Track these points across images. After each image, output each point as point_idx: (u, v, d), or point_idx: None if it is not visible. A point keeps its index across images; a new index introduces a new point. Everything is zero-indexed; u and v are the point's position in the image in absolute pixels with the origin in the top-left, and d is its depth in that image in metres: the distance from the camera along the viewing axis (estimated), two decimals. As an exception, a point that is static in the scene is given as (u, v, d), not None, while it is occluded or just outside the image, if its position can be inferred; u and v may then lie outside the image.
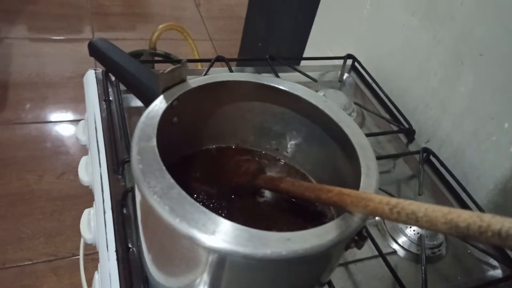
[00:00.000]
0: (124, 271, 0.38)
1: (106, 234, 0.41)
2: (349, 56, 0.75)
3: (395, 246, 0.49)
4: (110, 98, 0.55)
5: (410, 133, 0.64)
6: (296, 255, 0.25)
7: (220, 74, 0.38)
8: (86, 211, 0.48)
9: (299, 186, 0.32)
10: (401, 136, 0.65)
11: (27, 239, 1.07)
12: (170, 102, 0.33)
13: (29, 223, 1.10)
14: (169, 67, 0.34)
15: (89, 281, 0.52)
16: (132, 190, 0.43)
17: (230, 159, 0.42)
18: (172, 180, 0.27)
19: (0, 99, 1.43)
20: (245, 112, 0.41)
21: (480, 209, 0.55)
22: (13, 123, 1.36)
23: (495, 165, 0.57)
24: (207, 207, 0.37)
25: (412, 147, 0.63)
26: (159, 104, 0.33)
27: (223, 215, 0.37)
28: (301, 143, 0.42)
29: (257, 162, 0.41)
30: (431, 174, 0.60)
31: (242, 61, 0.71)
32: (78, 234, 0.47)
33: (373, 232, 0.50)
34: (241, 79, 0.38)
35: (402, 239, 0.49)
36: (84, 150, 0.55)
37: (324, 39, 0.94)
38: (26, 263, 1.02)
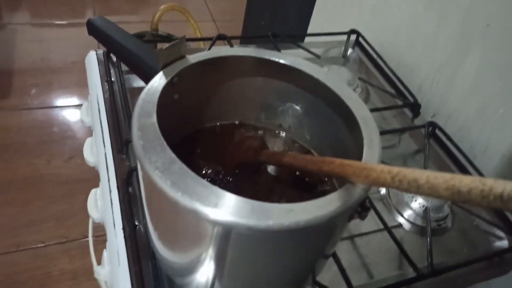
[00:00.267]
0: (132, 248, 0.39)
1: (112, 212, 0.41)
2: (353, 31, 0.74)
3: (400, 219, 0.49)
4: (112, 79, 0.55)
5: (415, 108, 0.63)
6: (298, 226, 0.25)
7: (219, 49, 0.37)
8: (92, 191, 0.49)
9: (302, 159, 0.32)
10: (407, 111, 0.64)
11: (39, 223, 1.09)
12: (170, 78, 0.33)
13: (40, 207, 1.12)
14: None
15: (99, 260, 0.53)
16: (136, 169, 0.44)
17: (232, 136, 0.42)
18: (173, 155, 0.27)
19: (5, 85, 1.44)
20: (247, 88, 0.41)
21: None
22: (20, 109, 1.37)
23: (502, 138, 0.56)
24: (211, 183, 0.37)
25: (417, 122, 0.63)
26: (159, 81, 0.33)
27: (228, 190, 0.37)
28: (304, 117, 0.42)
29: (260, 138, 0.41)
30: (437, 148, 0.59)
31: (245, 39, 0.70)
32: (88, 217, 0.48)
33: (378, 206, 0.50)
34: (242, 54, 0.38)
35: (407, 212, 0.50)
36: (90, 134, 0.55)
37: (328, 16, 0.93)
38: (39, 245, 1.04)
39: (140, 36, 1.29)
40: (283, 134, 0.44)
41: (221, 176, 0.38)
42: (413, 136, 0.61)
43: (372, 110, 0.35)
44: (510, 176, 0.56)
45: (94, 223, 0.49)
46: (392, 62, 0.69)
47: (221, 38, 0.64)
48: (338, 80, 0.37)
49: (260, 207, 0.26)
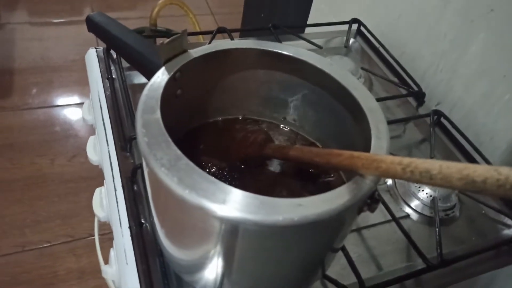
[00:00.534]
0: (139, 247, 0.38)
1: (118, 211, 0.41)
2: (355, 20, 0.73)
3: (408, 210, 0.49)
4: (113, 76, 0.54)
5: (419, 96, 0.63)
6: (307, 220, 0.25)
7: (221, 42, 0.37)
8: (97, 190, 0.48)
9: (309, 152, 0.32)
10: (411, 100, 0.63)
11: (44, 222, 1.09)
12: (172, 73, 0.33)
13: (45, 206, 1.12)
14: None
15: (106, 259, 0.53)
16: (141, 166, 0.43)
17: (237, 131, 0.41)
18: (179, 151, 0.27)
19: (6, 85, 1.43)
20: (250, 82, 0.40)
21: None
22: (22, 108, 1.37)
23: (509, 124, 0.56)
24: (217, 179, 0.37)
25: (422, 111, 0.62)
26: (161, 76, 0.32)
27: (234, 186, 0.36)
28: (309, 110, 0.41)
29: (265, 132, 0.40)
30: (443, 136, 0.59)
31: (245, 32, 0.69)
32: (93, 215, 0.48)
33: (386, 197, 0.50)
34: (244, 47, 0.37)
35: (414, 203, 0.49)
36: (92, 132, 0.55)
37: (328, 5, 0.91)
38: (45, 245, 1.05)
39: (139, 32, 1.28)
40: (287, 127, 0.44)
41: (225, 171, 0.38)
42: (418, 125, 0.60)
43: (375, 100, 0.34)
44: (518, 163, 0.55)
45: (99, 221, 0.48)
46: (395, 51, 0.68)
47: (221, 31, 0.63)
48: (343, 70, 0.37)
49: (268, 202, 0.25)
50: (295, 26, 0.77)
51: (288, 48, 0.37)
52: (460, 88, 0.62)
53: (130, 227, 0.40)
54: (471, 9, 0.58)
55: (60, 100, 1.43)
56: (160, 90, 0.31)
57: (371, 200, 0.28)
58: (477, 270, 0.45)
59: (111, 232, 0.42)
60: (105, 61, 0.56)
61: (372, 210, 0.29)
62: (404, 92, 0.63)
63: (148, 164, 0.27)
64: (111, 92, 0.52)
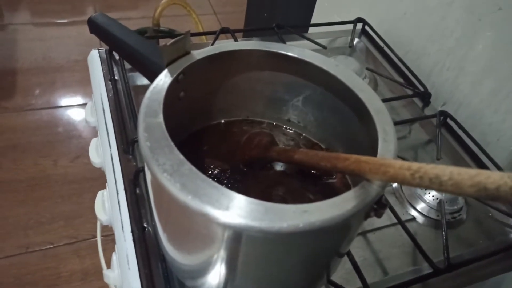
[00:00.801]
0: (141, 251, 0.38)
1: (120, 215, 0.40)
2: (359, 19, 0.72)
3: (414, 213, 0.48)
4: (116, 78, 0.54)
5: (425, 97, 0.62)
6: (313, 227, 0.24)
7: (225, 43, 0.36)
8: (99, 193, 0.48)
9: (314, 156, 0.31)
10: (416, 100, 0.63)
11: (48, 223, 1.09)
12: (175, 76, 0.32)
13: (48, 207, 1.12)
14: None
15: (108, 262, 0.53)
16: (143, 169, 0.43)
17: (241, 132, 0.41)
18: (181, 156, 0.26)
19: (9, 86, 1.43)
20: (254, 83, 0.40)
21: (501, 170, 0.53)
22: (24, 109, 1.37)
23: (516, 124, 0.55)
24: (221, 182, 0.36)
25: (428, 111, 0.61)
26: (164, 79, 0.32)
27: (237, 189, 0.36)
28: (313, 111, 0.41)
29: (269, 134, 0.39)
30: (449, 137, 0.58)
31: (248, 32, 0.69)
32: (97, 216, 0.47)
33: (391, 199, 0.49)
34: (248, 48, 0.36)
35: (421, 206, 0.48)
36: (95, 133, 0.54)
37: (332, 5, 0.91)
38: (48, 246, 1.04)
39: (142, 32, 1.28)
40: (292, 129, 0.43)
41: (228, 174, 0.37)
42: (424, 126, 0.60)
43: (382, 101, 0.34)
44: (525, 164, 0.54)
45: (102, 225, 0.48)
46: (400, 50, 0.67)
47: (225, 31, 0.63)
48: (349, 71, 0.36)
49: (273, 208, 0.25)
50: (299, 26, 0.76)
51: (293, 49, 0.37)
52: (466, 86, 0.61)
53: (132, 231, 0.39)
54: (478, 7, 0.57)
55: (63, 101, 1.43)
56: (163, 93, 0.30)
57: (378, 205, 0.28)
58: (485, 274, 0.44)
59: (113, 234, 0.41)
60: (108, 63, 0.55)
61: (379, 215, 0.28)
62: (409, 92, 0.62)
63: (150, 169, 0.26)
64: (114, 94, 0.51)
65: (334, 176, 0.38)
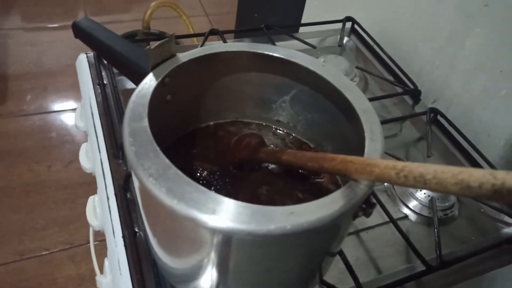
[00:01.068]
0: (133, 256, 0.38)
1: (111, 220, 0.40)
2: (348, 18, 0.72)
3: (406, 210, 0.48)
4: (104, 82, 0.53)
5: (416, 94, 0.62)
6: (301, 228, 0.24)
7: (211, 46, 0.36)
8: (90, 199, 0.48)
9: (302, 156, 0.31)
10: (407, 98, 0.63)
11: (42, 229, 1.08)
12: (160, 79, 0.32)
13: (43, 213, 1.11)
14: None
15: (102, 267, 0.53)
16: (133, 173, 0.43)
17: (230, 134, 0.41)
18: (167, 161, 0.26)
19: (1, 91, 1.42)
20: (242, 84, 0.40)
21: (493, 167, 0.54)
22: (17, 115, 1.36)
23: (506, 120, 0.55)
24: (210, 185, 0.36)
25: (418, 109, 0.61)
26: (149, 82, 0.32)
27: (227, 191, 0.36)
28: (302, 112, 0.40)
29: (258, 136, 0.39)
30: (440, 135, 0.58)
31: (238, 33, 0.69)
32: (90, 222, 0.47)
33: (383, 198, 0.49)
34: (235, 49, 0.36)
35: (412, 203, 0.48)
36: (86, 138, 0.54)
37: (322, 4, 0.91)
38: (43, 253, 1.04)
39: (132, 35, 1.27)
40: (281, 129, 0.43)
41: (217, 176, 0.37)
42: (415, 124, 0.60)
43: (371, 99, 0.34)
44: (516, 160, 0.55)
45: (94, 230, 0.48)
46: (390, 49, 0.67)
47: (214, 33, 0.62)
48: (336, 71, 0.36)
49: (260, 211, 0.25)
50: (289, 26, 0.76)
51: (280, 50, 0.37)
52: (456, 84, 0.61)
53: (123, 236, 0.39)
54: (466, 4, 0.57)
55: (55, 106, 1.42)
56: (148, 97, 0.30)
57: (367, 205, 0.28)
58: (478, 270, 0.44)
59: (106, 239, 0.41)
60: (96, 67, 0.55)
61: (367, 215, 0.28)
62: (400, 90, 0.63)
63: (136, 174, 0.26)
64: (103, 98, 0.51)
65: (322, 176, 0.38)
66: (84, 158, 0.51)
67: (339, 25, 0.71)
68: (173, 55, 0.34)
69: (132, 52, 0.37)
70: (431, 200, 0.47)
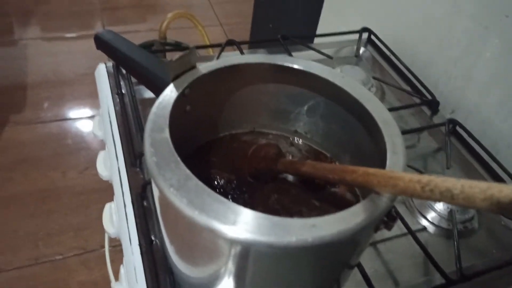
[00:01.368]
0: (149, 264, 0.38)
1: (128, 227, 0.40)
2: (365, 29, 0.72)
3: (424, 222, 0.48)
4: (123, 91, 0.54)
5: (433, 105, 0.61)
6: (322, 241, 0.24)
7: (230, 57, 0.36)
8: (107, 206, 0.48)
9: (322, 168, 0.31)
10: (424, 108, 0.62)
11: (56, 234, 1.09)
12: (181, 90, 0.32)
13: (57, 219, 1.13)
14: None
15: (116, 274, 0.53)
16: (151, 182, 0.43)
17: (247, 145, 0.41)
18: (188, 171, 0.26)
19: (19, 100, 1.45)
20: (260, 95, 0.40)
21: (513, 179, 0.53)
22: (34, 122, 1.39)
23: (526, 132, 0.54)
24: (228, 195, 0.36)
25: (436, 119, 0.61)
26: (170, 94, 0.32)
27: (244, 201, 0.36)
28: (320, 123, 0.40)
29: (276, 146, 0.39)
30: (459, 146, 0.57)
31: (254, 44, 0.69)
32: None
33: (401, 209, 0.48)
34: (253, 61, 0.36)
35: (431, 215, 0.48)
36: (103, 145, 0.55)
37: (337, 15, 0.91)
38: (57, 257, 1.05)
39: (148, 45, 1.29)
40: (299, 140, 0.43)
41: (234, 186, 0.37)
42: (433, 135, 0.59)
43: (388, 110, 0.33)
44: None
45: (110, 237, 0.48)
46: (407, 59, 0.67)
47: (230, 43, 0.63)
48: (355, 82, 0.36)
49: (281, 222, 0.24)
50: (305, 37, 0.76)
51: (298, 62, 0.37)
52: (475, 95, 0.60)
53: (140, 244, 0.39)
54: (484, 16, 0.56)
55: (72, 113, 1.44)
56: (169, 108, 0.30)
57: (388, 218, 0.27)
58: (499, 285, 0.43)
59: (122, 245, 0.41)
60: (115, 76, 0.56)
61: (389, 228, 0.28)
62: (417, 101, 0.62)
63: (157, 184, 0.26)
64: (121, 108, 0.52)
65: (337, 186, 0.37)
66: (102, 166, 0.52)
67: (355, 35, 0.71)
68: (193, 67, 0.34)
69: (153, 63, 0.37)
70: (451, 212, 0.46)
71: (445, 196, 0.20)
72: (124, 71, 0.57)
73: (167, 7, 2.06)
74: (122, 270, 0.42)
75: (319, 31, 0.97)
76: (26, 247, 1.06)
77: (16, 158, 1.27)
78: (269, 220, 0.25)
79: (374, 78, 0.64)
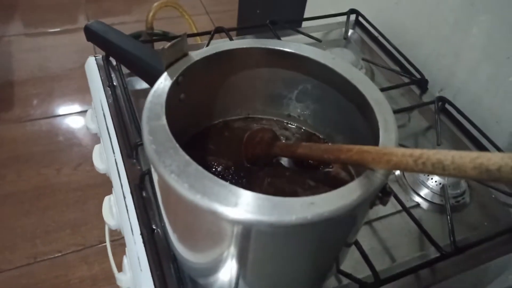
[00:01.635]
0: (152, 253, 0.38)
1: (129, 218, 0.41)
2: (352, 11, 0.72)
3: (417, 199, 0.49)
4: (114, 83, 0.54)
5: (422, 84, 0.62)
6: (321, 218, 0.25)
7: (222, 43, 0.37)
8: (106, 198, 0.48)
9: (317, 149, 0.32)
10: (414, 88, 0.63)
11: (54, 232, 1.10)
12: (175, 78, 0.33)
13: (54, 216, 1.13)
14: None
15: (118, 266, 0.53)
16: (148, 172, 0.43)
17: (243, 130, 0.41)
18: (187, 157, 0.27)
19: (7, 97, 1.44)
20: (253, 80, 0.40)
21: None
22: (24, 120, 1.37)
23: (514, 106, 0.55)
24: (225, 179, 0.36)
25: (426, 98, 0.62)
26: (164, 82, 0.32)
27: (242, 185, 0.36)
28: (313, 106, 0.41)
29: (271, 131, 0.40)
30: (448, 123, 0.58)
31: (242, 30, 0.69)
32: (103, 222, 0.48)
33: (394, 187, 0.50)
34: (245, 46, 0.37)
35: (424, 191, 0.49)
36: (95, 139, 0.55)
37: (324, -3, 0.91)
38: (56, 255, 1.05)
39: (136, 36, 1.28)
40: (293, 123, 0.43)
41: (232, 171, 0.38)
42: (423, 113, 0.60)
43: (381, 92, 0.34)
44: (525, 145, 0.55)
45: (110, 229, 0.49)
46: (395, 39, 0.67)
47: (219, 31, 0.63)
48: (346, 63, 0.36)
49: (281, 202, 0.25)
50: (294, 21, 0.76)
51: (290, 45, 0.37)
52: (463, 72, 0.61)
53: (142, 234, 0.40)
54: (469, -8, 0.57)
55: (61, 110, 1.43)
56: (164, 96, 0.31)
57: (383, 194, 0.28)
58: (491, 256, 0.44)
59: (121, 239, 0.42)
60: (105, 69, 0.56)
61: (384, 203, 0.28)
62: (406, 80, 0.63)
63: (157, 171, 0.26)
64: (114, 100, 0.52)
65: (331, 166, 0.38)
66: (98, 159, 0.52)
67: (343, 18, 0.71)
68: (185, 54, 0.34)
69: (144, 52, 0.38)
70: (443, 188, 0.47)
71: (437, 167, 0.21)
72: (114, 63, 0.57)
73: (152, -3, 2.03)
74: (125, 260, 0.43)
75: (306, 14, 0.97)
76: (24, 245, 1.06)
77: (8, 156, 1.26)
78: (269, 200, 0.25)
79: (363, 59, 0.65)
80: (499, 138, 0.55)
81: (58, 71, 1.56)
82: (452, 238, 0.43)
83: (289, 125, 0.44)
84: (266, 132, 0.39)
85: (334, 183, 0.37)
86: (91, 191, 1.18)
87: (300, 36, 0.67)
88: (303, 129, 0.43)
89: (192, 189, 0.25)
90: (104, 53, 0.56)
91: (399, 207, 0.45)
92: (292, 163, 0.39)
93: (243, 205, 0.25)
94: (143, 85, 0.55)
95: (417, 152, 0.23)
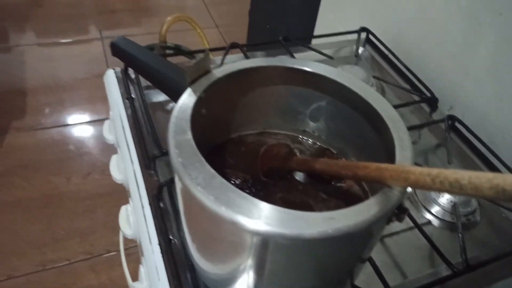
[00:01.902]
0: (170, 262, 0.39)
1: (147, 228, 0.42)
2: (363, 29, 0.74)
3: (429, 216, 0.49)
4: (133, 96, 0.56)
5: (432, 102, 0.63)
6: (341, 232, 0.26)
7: (241, 61, 0.38)
8: (123, 208, 0.49)
9: (334, 165, 0.33)
10: (424, 105, 0.64)
11: (63, 240, 1.11)
12: (198, 94, 0.34)
13: (63, 224, 1.14)
14: (182, 58, 0.34)
15: (131, 274, 0.54)
16: (166, 184, 0.44)
17: (258, 145, 0.42)
18: (212, 170, 0.28)
19: (19, 106, 1.46)
20: (270, 97, 0.42)
21: (510, 170, 0.55)
22: (35, 129, 1.39)
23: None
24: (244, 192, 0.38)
25: (436, 116, 0.63)
26: (189, 97, 0.34)
27: (260, 198, 0.37)
28: (328, 122, 0.42)
29: (287, 145, 0.41)
30: (458, 141, 0.59)
31: (255, 46, 0.71)
32: (111, 231, 0.49)
33: (406, 204, 0.50)
34: (265, 65, 0.38)
35: (435, 209, 0.50)
36: (107, 149, 0.56)
37: (334, 15, 0.93)
38: (64, 263, 1.06)
39: (149, 49, 1.30)
40: (307, 139, 0.45)
41: (250, 184, 0.39)
42: (433, 131, 0.61)
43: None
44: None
45: (126, 239, 0.49)
46: (405, 57, 0.69)
47: (234, 46, 0.65)
48: (362, 82, 0.38)
49: (301, 216, 0.26)
50: (305, 38, 0.78)
51: (309, 64, 0.39)
52: (471, 90, 0.62)
53: (160, 244, 0.41)
54: (479, 13, 0.59)
55: (72, 119, 1.45)
56: (189, 111, 0.32)
57: (399, 210, 0.29)
58: (503, 274, 0.45)
59: (132, 247, 0.43)
60: (124, 81, 0.57)
61: (400, 220, 0.29)
62: (416, 98, 0.64)
63: (183, 183, 0.28)
64: (132, 112, 0.53)
65: (343, 180, 0.39)
66: (115, 169, 0.53)
67: (354, 35, 0.73)
68: (208, 71, 0.36)
69: (166, 67, 0.39)
70: (454, 206, 0.48)
71: (454, 186, 0.22)
72: (132, 76, 0.58)
73: (161, 9, 2.07)
74: (141, 269, 0.44)
75: (316, 31, 0.99)
76: (32, 253, 1.07)
77: (19, 164, 1.27)
78: (290, 214, 0.26)
79: (374, 77, 0.66)
80: (505, 154, 0.56)
81: (69, 80, 1.59)
82: (464, 256, 0.43)
83: (304, 139, 0.45)
84: (283, 146, 0.40)
85: (346, 197, 0.38)
86: (100, 200, 1.19)
87: (312, 53, 0.68)
88: (317, 144, 0.44)
89: (217, 201, 0.26)
90: (122, 66, 0.58)
91: (411, 224, 0.46)
92: (305, 176, 0.40)
93: (265, 218, 0.26)
94: (161, 97, 0.57)
95: (434, 171, 0.24)
